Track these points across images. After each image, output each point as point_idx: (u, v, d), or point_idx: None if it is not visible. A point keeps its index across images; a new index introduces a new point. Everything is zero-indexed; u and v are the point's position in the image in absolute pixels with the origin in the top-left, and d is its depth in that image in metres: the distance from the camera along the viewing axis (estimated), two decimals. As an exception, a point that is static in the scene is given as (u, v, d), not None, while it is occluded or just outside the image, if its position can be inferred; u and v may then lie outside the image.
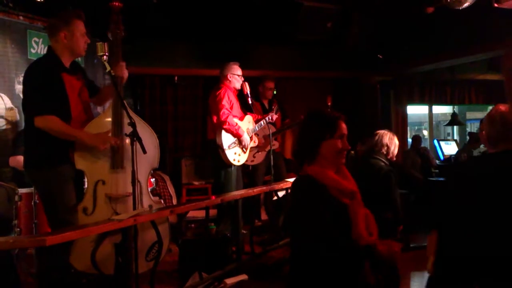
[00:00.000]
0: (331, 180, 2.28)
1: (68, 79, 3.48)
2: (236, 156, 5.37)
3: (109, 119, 3.66)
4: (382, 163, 4.29)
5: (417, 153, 8.55)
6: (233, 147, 5.34)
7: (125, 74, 3.77)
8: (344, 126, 2.35)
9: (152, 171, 4.02)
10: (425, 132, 13.13)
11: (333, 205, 2.26)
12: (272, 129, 5.76)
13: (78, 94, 3.56)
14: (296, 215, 2.35)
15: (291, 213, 2.41)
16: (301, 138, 2.44)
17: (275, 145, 6.03)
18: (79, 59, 4.25)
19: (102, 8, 3.89)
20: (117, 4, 3.74)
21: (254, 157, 5.88)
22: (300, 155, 2.41)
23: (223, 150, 5.25)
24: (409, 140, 9.98)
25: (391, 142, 4.38)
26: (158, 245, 3.53)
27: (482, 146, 8.77)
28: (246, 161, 5.63)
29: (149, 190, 3.87)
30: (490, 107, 12.86)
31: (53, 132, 3.36)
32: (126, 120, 3.41)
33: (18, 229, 4.44)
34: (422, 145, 9.27)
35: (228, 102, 5.32)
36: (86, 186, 3.67)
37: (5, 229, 4.51)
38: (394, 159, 4.49)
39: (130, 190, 3.41)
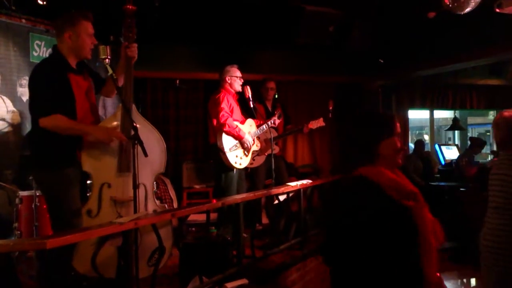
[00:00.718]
0: (388, 179, 2.10)
1: (75, 79, 3.44)
2: (237, 159, 5.36)
3: (117, 122, 3.64)
4: None
5: (419, 158, 8.54)
6: (234, 150, 5.33)
7: (136, 55, 3.73)
8: (398, 125, 2.25)
9: (157, 176, 4.00)
10: (426, 137, 13.11)
11: (391, 206, 2.05)
12: (274, 133, 5.75)
13: (85, 94, 3.52)
14: (346, 218, 2.13)
15: (336, 216, 2.20)
16: (356, 140, 2.24)
17: (276, 149, 6.02)
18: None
19: (106, 11, 3.88)
20: (130, 7, 3.68)
21: (253, 160, 5.87)
22: (355, 157, 2.22)
23: (224, 153, 5.24)
24: (411, 145, 9.98)
25: None
26: (160, 250, 3.51)
27: (483, 151, 8.78)
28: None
29: (154, 194, 3.84)
30: (491, 112, 12.89)
31: (60, 129, 3.32)
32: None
33: (19, 231, 4.44)
34: (425, 150, 9.26)
35: (228, 105, 5.32)
36: (89, 188, 3.66)
37: (5, 231, 4.51)
38: None
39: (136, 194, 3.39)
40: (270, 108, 6.24)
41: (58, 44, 3.49)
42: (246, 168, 5.78)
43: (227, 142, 5.28)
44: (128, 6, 3.69)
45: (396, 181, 2.12)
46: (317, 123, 6.02)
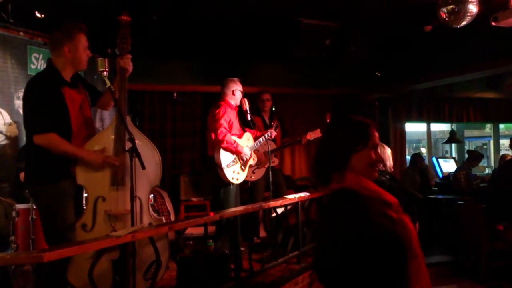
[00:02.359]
0: (375, 192, 1.91)
1: (69, 92, 3.43)
2: (235, 174, 5.36)
3: (112, 136, 3.61)
4: (383, 178, 4.26)
5: (417, 171, 8.53)
6: (231, 166, 5.33)
7: (131, 67, 3.70)
8: (376, 134, 2.00)
9: (153, 189, 3.98)
10: (424, 150, 13.15)
11: (383, 223, 1.84)
12: (272, 146, 5.76)
13: (79, 108, 3.50)
14: (339, 239, 1.90)
15: (329, 237, 1.95)
16: (327, 148, 2.04)
17: (275, 162, 6.04)
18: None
19: (103, 23, 3.89)
20: (125, 18, 3.68)
21: (253, 173, 5.88)
22: (325, 167, 2.01)
23: (221, 169, 5.24)
24: (408, 157, 9.97)
25: (384, 156, 4.32)
26: (156, 264, 3.49)
27: (480, 164, 8.79)
28: (246, 177, 5.62)
29: (150, 208, 3.82)
30: (488, 125, 12.92)
31: (54, 150, 3.31)
32: (126, 136, 3.34)
33: (15, 245, 4.41)
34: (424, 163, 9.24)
35: (227, 121, 5.33)
36: (85, 202, 3.64)
37: (2, 245, 4.48)
38: (392, 169, 4.46)
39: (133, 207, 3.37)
40: (267, 120, 6.27)
41: (54, 58, 3.49)
42: (246, 182, 5.79)
43: (225, 158, 5.28)
44: (122, 17, 3.69)
45: (380, 192, 1.92)
46: (314, 134, 6.06)
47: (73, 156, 3.43)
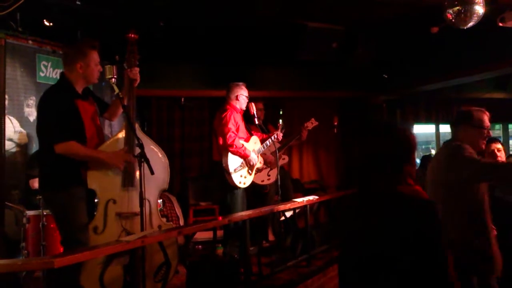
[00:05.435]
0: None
1: (82, 104, 3.61)
2: (242, 178, 5.37)
3: (122, 142, 3.74)
4: None
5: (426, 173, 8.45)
6: (239, 170, 5.35)
7: (139, 78, 3.88)
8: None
9: (161, 192, 4.05)
10: (433, 151, 13.07)
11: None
12: (277, 146, 5.80)
13: (91, 118, 3.68)
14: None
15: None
16: (388, 154, 2.00)
17: (285, 159, 6.09)
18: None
19: (112, 32, 3.94)
20: (133, 35, 3.88)
21: (269, 175, 5.92)
22: (385, 174, 1.98)
23: (229, 174, 5.26)
24: (417, 160, 9.91)
25: None
26: (166, 267, 3.53)
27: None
28: (263, 181, 5.64)
29: (158, 210, 3.88)
30: (497, 126, 12.82)
31: (75, 156, 3.47)
32: (135, 142, 3.50)
33: (26, 251, 4.45)
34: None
35: (234, 124, 5.34)
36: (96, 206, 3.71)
37: (13, 251, 4.52)
38: None
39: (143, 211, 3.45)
40: (264, 127, 6.34)
41: (66, 72, 3.66)
42: (265, 187, 5.83)
43: (233, 162, 5.29)
44: (130, 35, 3.89)
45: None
46: (311, 124, 6.09)
47: (94, 159, 3.60)
